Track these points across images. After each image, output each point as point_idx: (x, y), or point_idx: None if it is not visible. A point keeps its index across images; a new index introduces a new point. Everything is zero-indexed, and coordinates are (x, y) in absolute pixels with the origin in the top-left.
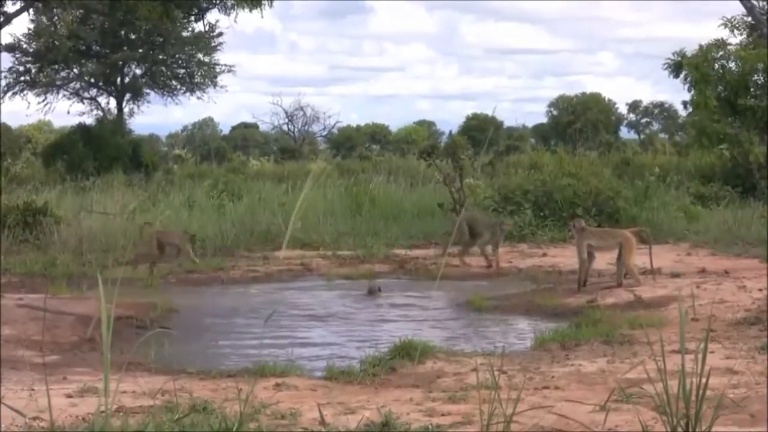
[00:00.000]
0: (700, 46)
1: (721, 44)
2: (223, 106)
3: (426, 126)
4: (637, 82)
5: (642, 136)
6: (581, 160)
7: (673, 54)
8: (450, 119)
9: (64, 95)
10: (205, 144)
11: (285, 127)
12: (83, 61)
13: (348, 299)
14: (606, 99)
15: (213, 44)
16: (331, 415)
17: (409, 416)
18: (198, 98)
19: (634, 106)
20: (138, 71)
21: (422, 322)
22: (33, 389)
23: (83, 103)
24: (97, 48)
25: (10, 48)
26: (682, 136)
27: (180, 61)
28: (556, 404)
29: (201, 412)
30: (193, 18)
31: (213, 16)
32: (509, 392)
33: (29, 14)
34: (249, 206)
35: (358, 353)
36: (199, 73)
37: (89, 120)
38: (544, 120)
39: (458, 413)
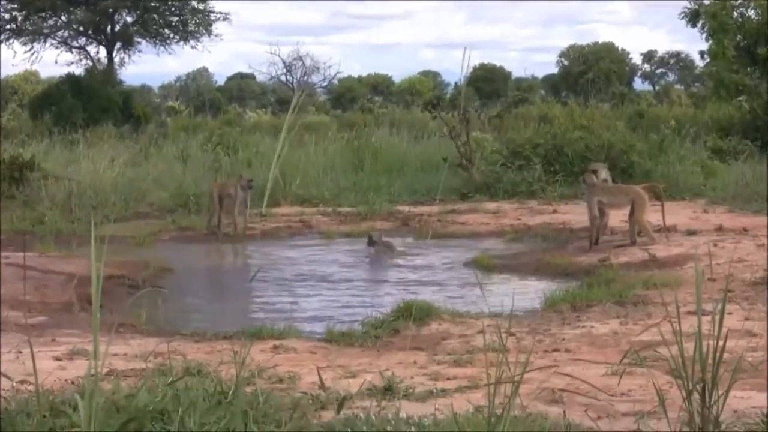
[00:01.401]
0: None
1: None
2: (218, 55)
3: (431, 76)
4: (651, 31)
5: (657, 88)
6: (593, 113)
7: (690, 2)
8: (456, 69)
9: (52, 44)
10: (199, 95)
11: (283, 78)
12: (71, 8)
13: (349, 258)
14: (619, 49)
15: None
16: (331, 378)
17: (412, 380)
18: (192, 47)
19: (648, 56)
20: (129, 19)
21: (427, 282)
22: (20, 352)
23: (72, 53)
24: None
25: None
26: (699, 88)
27: (173, 9)
28: (566, 367)
29: (195, 376)
30: None
31: None
32: (518, 355)
33: None
34: (245, 160)
35: (360, 314)
36: (193, 21)
37: (78, 70)
38: (555, 70)
39: (464, 377)
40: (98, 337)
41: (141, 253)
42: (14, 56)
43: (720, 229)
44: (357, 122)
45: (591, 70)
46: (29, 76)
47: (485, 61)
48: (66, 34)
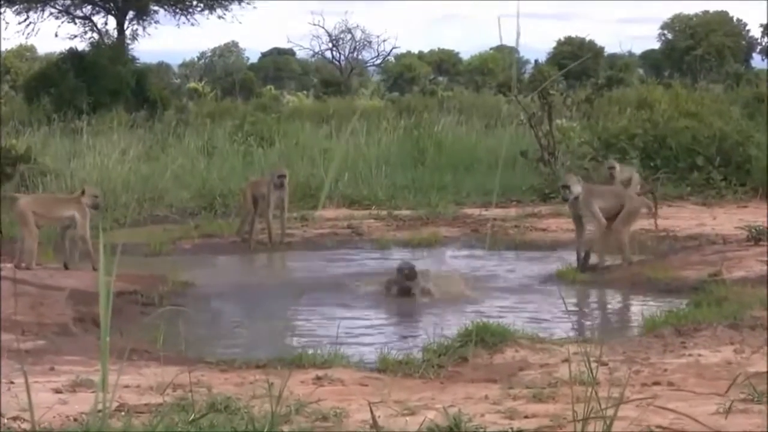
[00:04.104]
0: None
1: None
2: (251, 27)
3: (506, 53)
4: None
5: None
6: (702, 97)
7: None
8: (536, 44)
9: (51, 13)
10: (227, 75)
11: (328, 54)
12: None
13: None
14: (734, 19)
15: None
16: (385, 416)
17: (483, 418)
18: (219, 17)
19: None
20: None
21: (501, 301)
22: (12, 382)
23: (75, 23)
24: None
25: None
26: None
27: None
28: (669, 403)
29: (222, 412)
30: None
31: None
32: (610, 389)
33: None
34: (283, 153)
35: (420, 339)
36: None
37: (82, 45)
38: (656, 45)
39: (545, 415)
40: (107, 365)
41: (157, 265)
42: (6, 28)
43: None
44: (417, 107)
45: (700, 45)
46: (24, 52)
47: (572, 34)
48: (68, 1)
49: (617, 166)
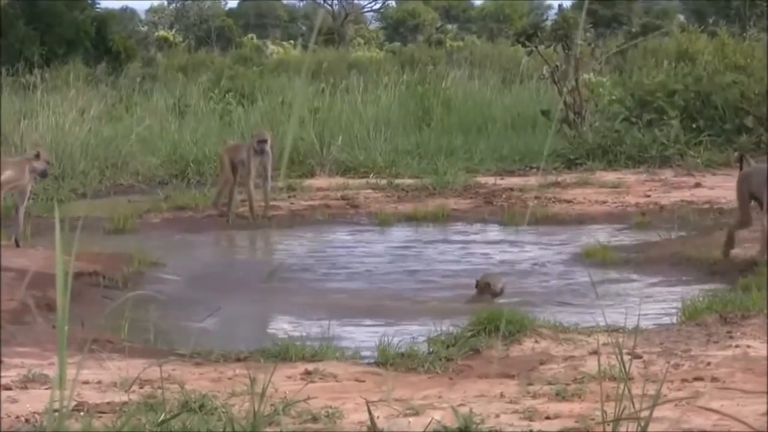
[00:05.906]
0: None
1: None
2: None
3: None
4: None
5: None
6: (752, 47)
7: None
8: None
9: None
10: (203, 22)
11: None
12: None
13: (410, 250)
14: None
15: None
16: (385, 416)
17: (498, 419)
18: None
19: None
20: None
21: (518, 283)
22: None
23: None
24: None
25: None
26: None
27: None
28: (712, 402)
29: (197, 412)
30: None
31: None
32: (645, 385)
33: None
34: (267, 113)
35: (425, 328)
36: None
37: None
38: None
39: (570, 415)
40: (65, 358)
41: (122, 242)
42: None
43: None
44: (422, 59)
45: None
46: None
47: None
48: None
49: None
